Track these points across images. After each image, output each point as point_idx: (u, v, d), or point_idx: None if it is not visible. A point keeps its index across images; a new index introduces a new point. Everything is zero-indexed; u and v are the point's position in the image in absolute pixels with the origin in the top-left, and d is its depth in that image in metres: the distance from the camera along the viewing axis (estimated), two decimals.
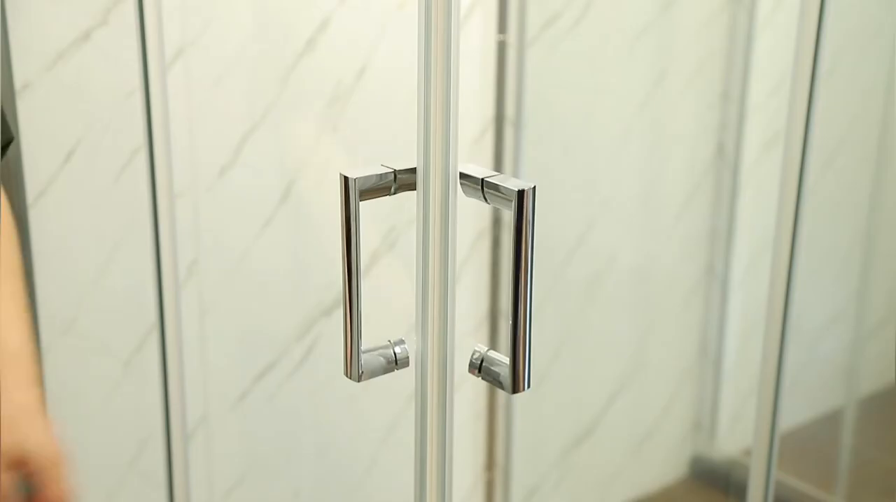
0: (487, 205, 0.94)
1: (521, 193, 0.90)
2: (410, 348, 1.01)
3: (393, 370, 0.99)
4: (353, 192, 0.97)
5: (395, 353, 1.00)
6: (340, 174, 0.95)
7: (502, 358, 1.00)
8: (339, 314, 1.95)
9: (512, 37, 2.04)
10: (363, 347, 0.98)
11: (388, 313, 2.05)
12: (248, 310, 1.86)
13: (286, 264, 1.88)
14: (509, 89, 2.06)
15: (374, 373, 0.99)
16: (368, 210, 1.91)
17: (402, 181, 0.97)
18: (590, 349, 2.39)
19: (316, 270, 1.92)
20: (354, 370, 0.98)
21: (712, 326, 2.58)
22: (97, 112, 1.67)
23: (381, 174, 0.97)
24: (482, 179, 0.92)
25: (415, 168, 0.92)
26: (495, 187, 0.92)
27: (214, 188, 1.79)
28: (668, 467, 2.61)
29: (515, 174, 2.10)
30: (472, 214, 2.08)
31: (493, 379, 1.02)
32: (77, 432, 1.81)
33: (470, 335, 2.16)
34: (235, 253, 1.83)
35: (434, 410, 0.96)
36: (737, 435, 2.60)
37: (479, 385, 2.20)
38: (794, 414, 2.57)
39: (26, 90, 1.62)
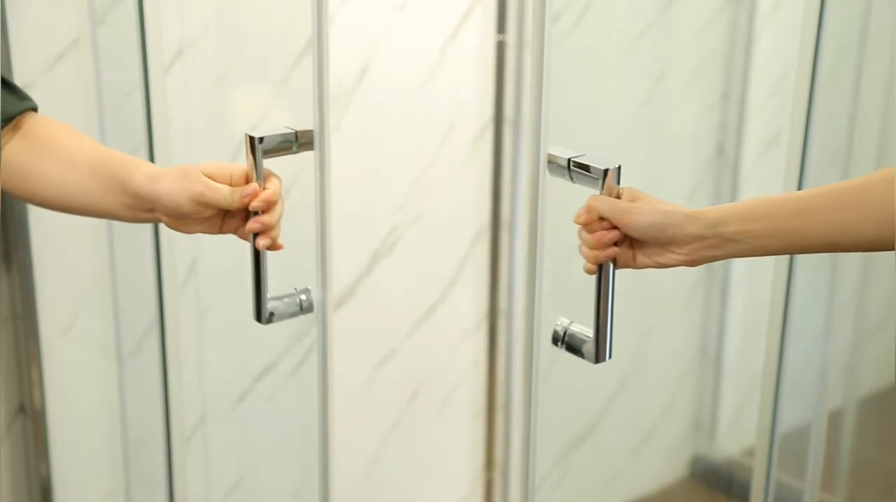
0: (573, 183, 1.09)
1: (606, 172, 1.05)
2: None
3: (298, 315, 1.12)
4: (258, 151, 1.08)
5: (300, 301, 1.13)
6: (246, 134, 1.08)
7: (585, 330, 1.12)
8: (341, 314, 1.95)
9: (511, 37, 2.04)
10: (271, 295, 1.11)
11: (389, 313, 2.05)
12: (247, 310, 1.85)
13: (286, 264, 1.88)
14: (508, 89, 2.06)
15: (281, 317, 1.12)
16: (369, 210, 1.93)
17: (302, 140, 1.10)
18: None
19: (316, 270, 1.91)
20: (263, 314, 1.12)
21: (712, 326, 2.58)
22: (97, 112, 1.67)
23: (283, 134, 1.10)
24: (569, 159, 1.08)
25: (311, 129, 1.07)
26: (583, 166, 1.07)
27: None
28: (667, 467, 2.61)
29: (515, 174, 2.10)
30: (472, 214, 2.08)
31: (575, 351, 1.14)
32: (76, 432, 1.81)
33: (470, 335, 2.16)
34: (235, 253, 1.83)
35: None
36: (737, 435, 2.60)
37: (478, 384, 2.20)
38: (795, 414, 2.57)
39: (26, 90, 1.62)
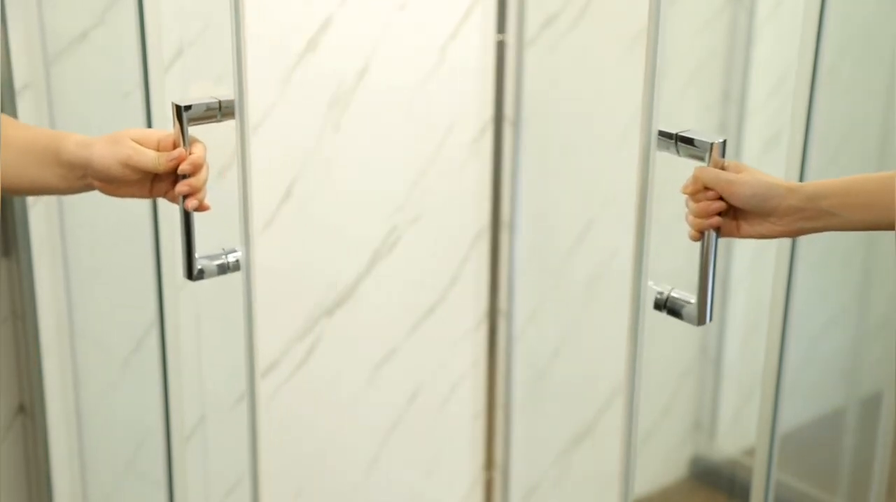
0: (679, 156, 1.17)
1: (711, 145, 1.13)
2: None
3: (226, 273, 1.22)
4: (184, 118, 1.16)
5: (228, 260, 1.22)
6: (172, 103, 1.16)
7: (687, 295, 1.22)
8: (341, 314, 1.95)
9: (511, 36, 2.04)
10: (199, 254, 1.20)
11: (389, 313, 2.05)
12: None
13: (287, 264, 1.88)
14: (508, 89, 2.06)
15: (210, 275, 1.21)
16: (369, 210, 1.92)
17: (225, 109, 1.19)
18: (590, 349, 2.39)
19: (317, 270, 1.92)
20: (193, 271, 1.20)
21: (712, 326, 2.58)
22: (96, 112, 1.67)
23: (207, 103, 1.18)
24: (676, 134, 1.16)
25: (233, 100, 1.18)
26: (688, 140, 1.15)
27: (215, 188, 1.78)
28: (667, 467, 2.61)
29: (515, 174, 2.10)
30: (472, 214, 2.08)
31: (677, 314, 1.25)
32: (75, 432, 1.80)
33: (470, 335, 2.16)
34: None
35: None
36: (737, 435, 2.60)
37: (478, 384, 2.20)
38: (795, 414, 2.57)
39: (26, 90, 1.62)
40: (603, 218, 2.30)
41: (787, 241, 1.56)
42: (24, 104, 1.61)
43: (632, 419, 1.21)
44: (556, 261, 2.28)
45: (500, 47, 2.04)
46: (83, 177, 1.17)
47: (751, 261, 2.51)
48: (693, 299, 1.21)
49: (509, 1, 2.02)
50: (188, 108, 1.17)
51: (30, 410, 1.77)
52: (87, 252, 1.75)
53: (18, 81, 1.60)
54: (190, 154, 1.17)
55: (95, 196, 1.22)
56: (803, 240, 1.54)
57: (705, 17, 2.32)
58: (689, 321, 1.22)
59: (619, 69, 2.24)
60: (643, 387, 1.25)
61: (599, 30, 2.17)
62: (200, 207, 1.19)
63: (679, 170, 1.23)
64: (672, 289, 1.24)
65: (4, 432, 1.76)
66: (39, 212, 1.68)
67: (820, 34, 1.45)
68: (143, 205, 1.62)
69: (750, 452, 2.15)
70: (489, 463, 2.27)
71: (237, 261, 1.22)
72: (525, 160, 2.11)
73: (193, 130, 1.17)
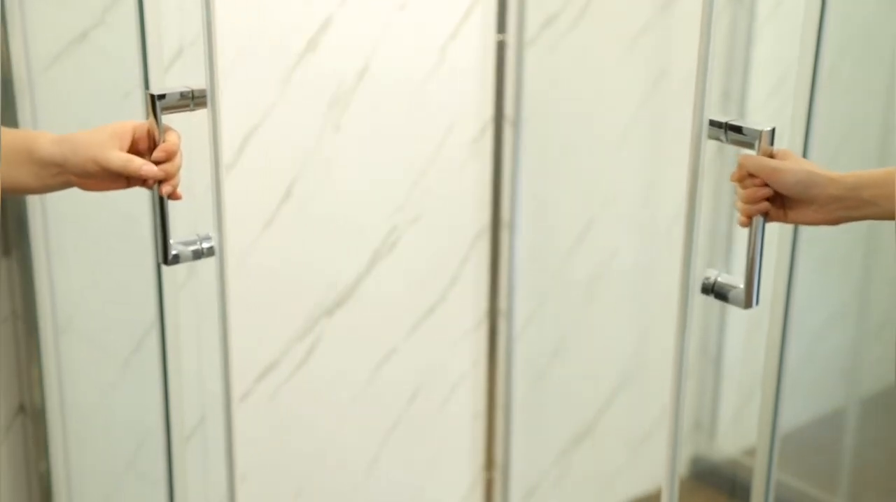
0: (725, 144, 1.21)
1: (760, 133, 1.18)
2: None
3: (201, 258, 1.25)
4: (158, 107, 1.20)
5: (203, 246, 1.26)
6: (147, 92, 1.22)
7: (735, 279, 1.25)
8: (341, 314, 1.95)
9: (511, 36, 2.04)
10: (174, 240, 1.23)
11: (389, 313, 2.05)
12: (248, 310, 1.85)
13: (287, 264, 1.88)
14: (508, 89, 2.06)
15: (185, 260, 1.24)
16: (369, 210, 1.93)
17: (198, 98, 1.23)
18: (590, 349, 2.39)
19: (317, 270, 1.92)
20: (168, 256, 1.24)
21: (712, 326, 2.58)
22: (96, 112, 1.67)
23: (181, 92, 1.22)
24: (725, 123, 1.20)
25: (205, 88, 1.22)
26: (737, 129, 1.20)
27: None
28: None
29: (515, 174, 2.10)
30: (472, 214, 2.08)
31: (723, 298, 1.27)
32: (75, 432, 1.80)
33: (470, 335, 2.16)
34: (236, 253, 1.83)
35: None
36: (737, 435, 2.60)
37: (478, 384, 2.20)
38: (795, 414, 2.57)
39: (26, 90, 1.62)
40: (603, 218, 2.30)
41: (786, 241, 1.56)
42: (23, 104, 1.61)
43: (679, 408, 1.24)
44: (556, 261, 2.28)
45: (500, 47, 2.04)
46: (58, 174, 1.18)
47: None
48: (739, 284, 1.24)
49: (509, 1, 2.02)
50: (161, 96, 1.20)
51: (30, 410, 1.76)
52: (86, 252, 1.75)
53: (18, 81, 1.60)
54: (163, 142, 1.20)
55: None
56: (803, 240, 1.54)
57: (705, 17, 2.32)
58: (737, 304, 1.25)
59: (619, 69, 2.24)
60: (684, 375, 1.28)
61: (599, 30, 2.17)
62: (173, 195, 1.22)
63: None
64: (719, 273, 1.27)
65: (4, 432, 1.76)
66: (39, 211, 1.68)
67: (820, 34, 1.45)
68: (143, 205, 1.62)
69: (750, 452, 2.15)
70: (489, 463, 2.27)
71: (211, 247, 1.26)
72: (525, 160, 2.11)
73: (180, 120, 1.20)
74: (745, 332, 2.55)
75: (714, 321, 2.57)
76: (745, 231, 1.24)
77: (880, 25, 2.41)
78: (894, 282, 2.55)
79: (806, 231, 1.52)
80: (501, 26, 2.03)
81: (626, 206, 2.34)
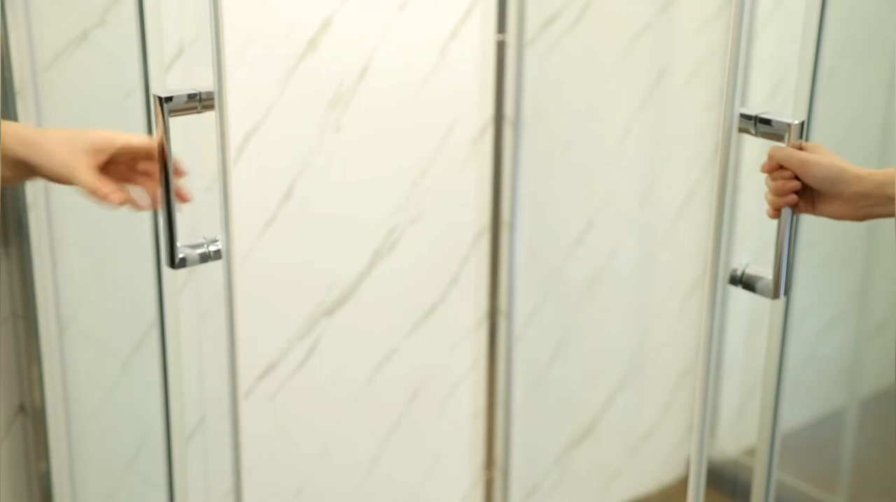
0: (755, 136, 1.24)
1: (789, 126, 1.20)
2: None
3: (208, 261, 1.24)
4: (165, 111, 1.18)
5: (209, 250, 1.25)
6: (154, 95, 1.19)
7: (763, 270, 1.26)
8: (342, 313, 1.95)
9: (511, 36, 2.04)
10: (181, 243, 1.23)
11: (389, 313, 2.05)
12: (249, 309, 1.86)
13: (288, 264, 1.88)
14: (508, 89, 2.06)
15: (192, 263, 1.24)
16: (370, 210, 1.93)
17: (205, 101, 1.21)
18: (590, 349, 2.39)
19: (318, 270, 1.92)
20: (175, 259, 1.23)
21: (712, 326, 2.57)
22: (96, 112, 1.67)
23: (189, 94, 1.21)
24: (755, 116, 1.23)
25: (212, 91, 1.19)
26: (767, 121, 1.22)
27: (215, 188, 1.78)
28: (667, 467, 2.61)
29: (515, 174, 2.10)
30: (472, 214, 2.08)
31: (751, 288, 1.28)
32: (76, 432, 1.80)
33: (470, 335, 2.16)
34: (237, 253, 1.83)
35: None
36: (737, 436, 2.60)
37: (478, 384, 2.20)
38: (795, 414, 2.57)
39: (26, 90, 1.62)
40: (603, 218, 2.30)
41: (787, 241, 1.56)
42: (24, 104, 1.61)
43: (706, 401, 1.31)
44: (556, 261, 2.28)
45: (500, 47, 2.04)
46: (18, 170, 1.13)
47: (751, 260, 2.50)
48: (767, 275, 1.25)
49: (509, 1, 2.02)
50: (169, 99, 1.18)
51: (30, 410, 1.76)
52: (87, 252, 1.75)
53: (18, 81, 1.60)
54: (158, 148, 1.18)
55: None
56: (803, 239, 1.54)
57: (705, 17, 2.32)
58: (764, 294, 1.25)
59: (619, 69, 2.24)
60: (712, 370, 1.33)
61: (599, 30, 2.17)
62: (181, 196, 1.21)
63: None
64: (748, 264, 1.27)
65: (4, 432, 1.76)
66: (39, 211, 1.68)
67: (820, 34, 1.45)
68: None
69: (750, 452, 2.15)
70: (489, 463, 2.27)
71: (218, 250, 1.25)
72: (525, 160, 2.11)
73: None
74: (746, 332, 2.55)
75: (714, 321, 2.56)
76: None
77: (880, 25, 2.41)
78: (894, 282, 2.55)
79: (806, 231, 1.52)
80: (501, 26, 2.03)
81: (626, 206, 2.34)
